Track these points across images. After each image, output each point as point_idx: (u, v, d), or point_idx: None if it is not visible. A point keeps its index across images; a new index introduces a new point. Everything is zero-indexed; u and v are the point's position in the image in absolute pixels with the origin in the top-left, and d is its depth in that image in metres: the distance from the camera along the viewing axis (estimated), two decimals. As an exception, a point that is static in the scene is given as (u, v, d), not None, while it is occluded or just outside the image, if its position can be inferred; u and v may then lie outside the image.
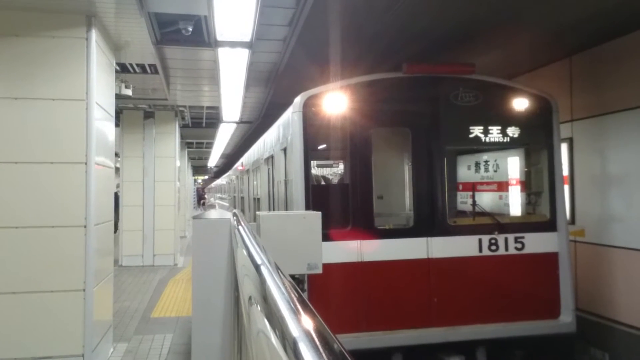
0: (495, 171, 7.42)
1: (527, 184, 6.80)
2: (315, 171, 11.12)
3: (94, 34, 5.50)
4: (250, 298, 1.60)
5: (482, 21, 6.47)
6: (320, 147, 7.46)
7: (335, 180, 11.73)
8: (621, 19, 6.30)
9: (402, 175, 7.57)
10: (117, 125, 11.90)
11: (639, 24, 6.40)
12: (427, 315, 5.77)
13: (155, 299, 9.36)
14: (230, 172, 23.96)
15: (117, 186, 13.06)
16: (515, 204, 7.02)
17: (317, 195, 5.95)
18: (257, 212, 4.35)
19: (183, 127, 15.80)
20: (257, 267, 1.83)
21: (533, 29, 6.76)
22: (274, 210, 7.91)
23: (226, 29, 6.10)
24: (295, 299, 1.24)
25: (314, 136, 6.07)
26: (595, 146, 7.20)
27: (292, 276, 3.99)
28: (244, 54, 7.01)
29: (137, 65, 8.35)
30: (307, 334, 0.95)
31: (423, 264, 5.83)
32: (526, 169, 6.83)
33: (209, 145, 22.97)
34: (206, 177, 51.15)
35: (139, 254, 13.20)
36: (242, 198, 14.78)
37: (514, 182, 7.10)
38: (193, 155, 28.09)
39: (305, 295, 1.31)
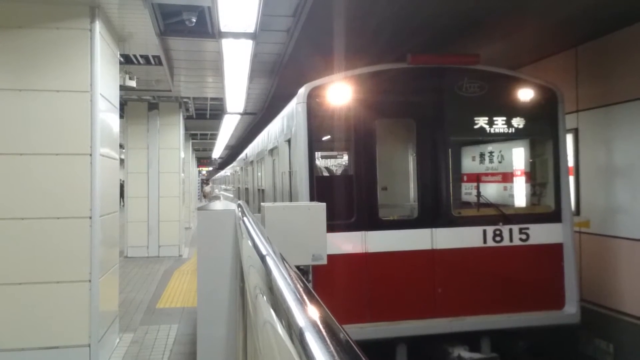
0: (500, 162, 7.40)
1: (532, 175, 6.79)
2: (319, 162, 11.11)
3: (98, 26, 5.49)
4: (256, 288, 1.61)
5: (487, 11, 6.42)
6: (325, 138, 7.45)
7: (339, 172, 11.71)
8: (627, 9, 6.24)
9: (407, 166, 7.56)
10: (121, 116, 11.94)
11: (645, 13, 6.35)
12: (431, 306, 5.78)
13: (161, 290, 9.41)
14: (234, 164, 23.98)
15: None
16: (520, 195, 7.01)
17: (321, 186, 5.95)
18: (262, 204, 4.36)
19: (187, 118, 15.81)
20: (262, 258, 1.84)
21: (538, 19, 6.71)
22: (278, 201, 7.92)
23: (230, 20, 6.08)
24: (301, 289, 1.24)
25: (318, 127, 6.06)
26: (601, 137, 7.17)
27: (297, 267, 4.00)
28: (247, 45, 6.98)
29: (141, 56, 8.35)
30: (314, 324, 0.95)
31: (427, 254, 5.84)
32: (531, 160, 6.81)
33: (213, 137, 22.99)
34: (210, 168, 51.19)
35: (144, 245, 13.26)
36: (247, 189, 14.80)
37: (518, 173, 7.08)
38: (197, 146, 28.12)
39: (309, 286, 1.31)
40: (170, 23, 6.53)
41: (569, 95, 7.10)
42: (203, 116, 16.23)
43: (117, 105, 6.59)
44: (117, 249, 6.87)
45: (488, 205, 6.58)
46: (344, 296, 5.67)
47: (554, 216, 6.21)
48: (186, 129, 17.55)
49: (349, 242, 5.67)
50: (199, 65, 8.97)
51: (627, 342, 6.59)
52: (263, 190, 10.37)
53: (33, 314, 5.27)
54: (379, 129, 6.22)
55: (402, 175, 7.51)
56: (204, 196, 40.46)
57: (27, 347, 5.23)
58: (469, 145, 8.01)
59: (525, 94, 6.22)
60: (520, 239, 6.06)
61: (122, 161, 13.60)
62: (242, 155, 17.43)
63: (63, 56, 5.44)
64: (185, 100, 13.50)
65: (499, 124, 6.25)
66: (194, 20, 6.27)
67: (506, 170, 7.29)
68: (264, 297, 1.42)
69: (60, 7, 5.40)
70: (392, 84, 6.05)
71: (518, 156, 7.08)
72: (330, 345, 0.84)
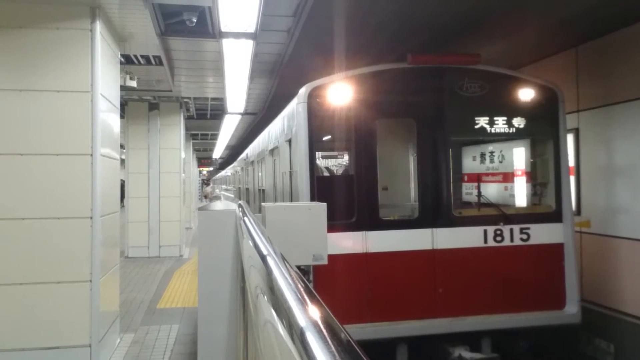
0: (500, 162, 7.40)
1: (532, 175, 6.78)
2: (320, 162, 11.12)
3: (99, 26, 5.49)
4: (257, 288, 1.61)
5: (487, 11, 6.42)
6: (325, 138, 7.46)
7: (340, 172, 11.72)
8: (628, 8, 6.24)
9: (407, 166, 7.56)
10: (122, 117, 11.93)
11: (646, 13, 6.34)
12: (432, 306, 5.78)
13: (161, 290, 9.41)
14: (235, 164, 23.99)
15: None
16: (520, 194, 7.00)
17: (322, 186, 5.95)
18: (262, 204, 4.36)
19: (188, 118, 15.81)
20: (263, 258, 1.84)
21: (538, 18, 6.71)
22: (278, 201, 7.92)
23: (230, 20, 6.08)
24: (302, 289, 1.24)
25: (319, 127, 6.06)
26: (602, 137, 7.16)
27: (298, 267, 4.01)
28: (248, 45, 6.99)
29: (142, 56, 8.34)
30: (315, 323, 0.95)
31: (428, 254, 5.83)
32: (532, 160, 6.80)
33: (214, 137, 22.98)
34: (211, 168, 51.21)
35: (144, 245, 13.26)
36: (247, 189, 14.80)
37: (519, 173, 7.08)
38: (198, 146, 28.12)
39: (310, 286, 1.31)
40: (171, 23, 6.54)
41: (569, 95, 7.10)
42: (204, 116, 16.23)
43: (118, 105, 6.59)
44: (118, 249, 6.87)
45: (489, 205, 6.57)
46: (344, 296, 5.67)
47: (555, 216, 6.20)
48: (187, 129, 17.55)
49: (349, 242, 5.67)
50: (200, 65, 8.98)
51: (628, 342, 6.58)
52: (264, 190, 10.37)
53: (34, 314, 5.27)
54: (380, 129, 6.22)
55: (402, 175, 7.51)
56: (205, 196, 40.53)
57: (28, 348, 5.23)
58: (470, 145, 8.01)
59: (526, 94, 6.22)
60: (521, 239, 6.05)
61: (122, 161, 13.61)
62: (243, 155, 17.44)
63: (64, 56, 5.44)
64: (185, 100, 13.50)
65: (500, 124, 6.24)
66: (195, 20, 6.27)
67: (507, 170, 7.29)
68: (265, 297, 1.42)
69: (61, 8, 5.40)
70: (392, 84, 6.05)
71: (519, 156, 7.08)
72: (331, 345, 0.84)
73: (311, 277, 5.38)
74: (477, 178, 7.37)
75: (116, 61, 6.55)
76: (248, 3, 5.57)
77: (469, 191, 7.85)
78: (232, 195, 22.35)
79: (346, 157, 11.10)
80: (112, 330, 6.08)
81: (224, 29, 6.34)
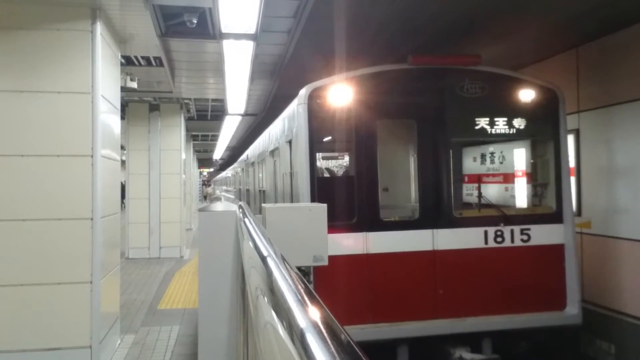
0: (501, 163, 7.40)
1: (533, 176, 6.78)
2: (320, 163, 11.11)
3: (99, 27, 5.49)
4: (257, 289, 1.61)
5: (487, 12, 6.42)
6: (326, 139, 7.45)
7: (340, 173, 11.72)
8: (628, 9, 6.24)
9: (408, 167, 7.55)
10: (122, 118, 11.94)
11: (647, 13, 6.34)
12: (432, 307, 5.77)
13: (162, 291, 9.41)
14: (235, 165, 24.00)
15: None
16: (521, 195, 7.00)
17: (322, 187, 5.95)
18: (263, 205, 4.35)
19: (188, 119, 15.82)
20: (263, 259, 1.84)
21: (539, 19, 6.71)
22: (279, 202, 7.92)
23: (231, 21, 6.08)
24: (302, 290, 1.24)
25: (319, 128, 6.06)
26: (602, 137, 7.16)
27: (298, 268, 4.00)
28: (248, 46, 6.98)
29: (142, 57, 8.34)
30: (315, 325, 0.95)
31: (429, 255, 5.83)
32: (532, 161, 6.80)
33: (214, 138, 22.99)
34: (211, 169, 51.25)
35: (145, 246, 13.25)
36: (248, 190, 14.81)
37: (520, 173, 7.07)
38: (198, 147, 28.13)
39: (310, 287, 1.30)
40: (171, 24, 6.53)
41: (570, 95, 7.10)
42: (204, 117, 16.24)
43: (118, 106, 6.60)
44: (118, 250, 6.87)
45: (489, 206, 6.57)
46: (345, 297, 5.66)
47: (555, 217, 6.20)
48: (187, 130, 17.55)
49: (350, 243, 5.67)
50: (200, 67, 8.98)
51: (629, 343, 6.58)
52: (264, 191, 10.37)
53: (34, 316, 5.27)
54: (380, 130, 6.22)
55: (403, 176, 7.51)
56: (205, 197, 40.59)
57: (28, 349, 5.22)
58: (470, 145, 8.00)
59: (527, 95, 6.22)
60: (522, 240, 6.05)
61: (123, 162, 13.62)
62: (243, 156, 17.44)
63: (64, 57, 5.44)
64: (186, 101, 13.51)
65: (500, 125, 6.24)
66: (195, 21, 6.27)
67: (507, 171, 7.29)
68: (265, 298, 1.42)
69: (62, 9, 5.40)
70: (393, 85, 6.05)
71: (519, 157, 7.08)
72: (332, 346, 0.83)
73: (311, 278, 5.38)
74: (478, 179, 7.36)
75: (117, 62, 6.56)
76: (248, 4, 5.57)
77: (469, 192, 7.84)
78: (232, 196, 22.35)
79: (347, 158, 11.09)
80: (112, 332, 6.08)
81: (224, 30, 6.34)
